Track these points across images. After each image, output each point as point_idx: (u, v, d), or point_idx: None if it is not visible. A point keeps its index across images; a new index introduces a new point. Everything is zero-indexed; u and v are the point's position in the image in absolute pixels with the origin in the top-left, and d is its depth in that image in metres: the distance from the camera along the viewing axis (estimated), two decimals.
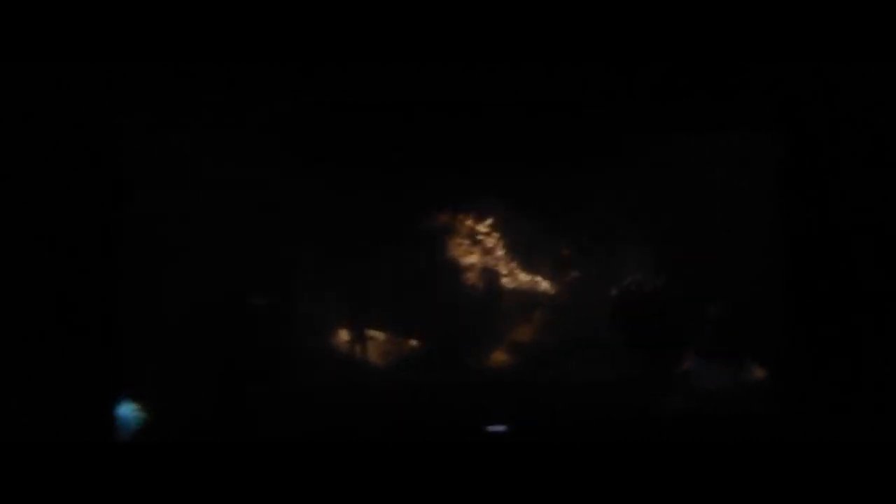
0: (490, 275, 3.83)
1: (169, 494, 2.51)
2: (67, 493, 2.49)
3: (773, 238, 2.99)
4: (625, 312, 3.40)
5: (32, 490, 2.48)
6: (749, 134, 3.05)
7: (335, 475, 2.58)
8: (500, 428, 2.93)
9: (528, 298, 3.82)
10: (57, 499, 2.49)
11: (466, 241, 3.86)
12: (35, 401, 2.62)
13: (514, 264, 3.84)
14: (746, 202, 3.16)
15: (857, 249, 2.78)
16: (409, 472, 2.58)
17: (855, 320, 2.76)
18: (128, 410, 2.83)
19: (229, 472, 2.56)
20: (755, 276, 3.11)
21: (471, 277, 3.82)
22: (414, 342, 3.74)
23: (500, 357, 3.69)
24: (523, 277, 3.84)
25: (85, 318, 2.71)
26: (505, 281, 3.83)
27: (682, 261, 3.33)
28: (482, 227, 3.86)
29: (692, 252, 3.32)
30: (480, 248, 3.85)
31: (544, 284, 3.79)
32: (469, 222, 3.83)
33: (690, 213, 3.34)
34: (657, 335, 3.25)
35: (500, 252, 3.85)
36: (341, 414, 3.15)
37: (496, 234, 3.85)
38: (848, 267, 2.78)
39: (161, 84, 2.79)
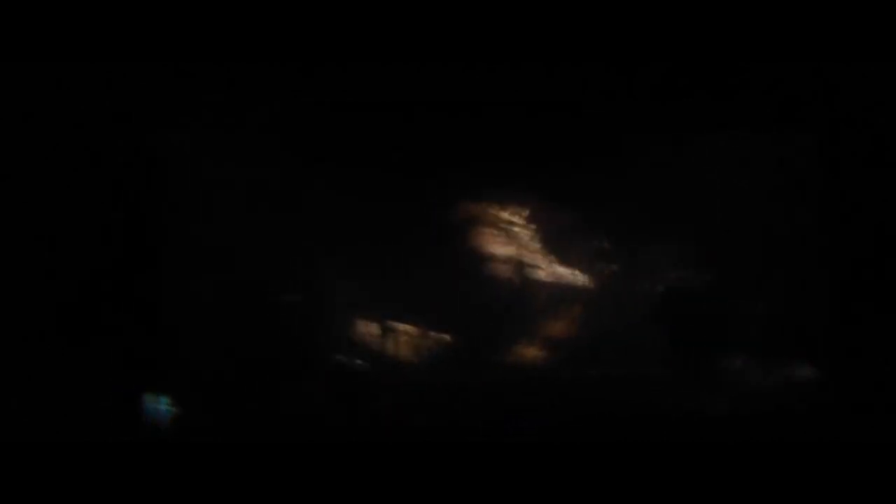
0: (520, 269, 3.80)
1: (190, 494, 2.52)
2: (87, 491, 2.51)
3: (799, 238, 3.00)
4: (671, 308, 3.34)
5: (53, 489, 2.50)
6: (749, 134, 3.04)
7: (359, 475, 2.58)
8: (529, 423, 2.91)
9: (561, 294, 3.78)
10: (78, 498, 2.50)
11: (487, 239, 3.83)
12: (46, 401, 2.63)
13: (547, 258, 3.81)
14: (775, 201, 3.14)
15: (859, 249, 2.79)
16: (434, 470, 2.58)
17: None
18: (160, 404, 2.83)
19: (255, 472, 2.58)
20: (791, 275, 3.09)
21: (499, 273, 3.80)
22: (444, 338, 3.71)
23: (533, 353, 3.66)
24: (557, 272, 3.80)
25: (87, 318, 2.72)
26: (537, 276, 3.80)
27: (719, 257, 3.31)
28: (497, 227, 3.83)
29: (726, 249, 3.29)
30: (507, 243, 3.82)
31: (579, 279, 3.76)
32: (487, 220, 3.80)
33: (723, 210, 3.32)
34: (705, 332, 3.21)
35: (531, 246, 3.82)
36: (368, 412, 3.16)
37: (518, 231, 3.82)
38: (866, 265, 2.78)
39: (161, 84, 2.79)
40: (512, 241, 3.80)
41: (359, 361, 3.53)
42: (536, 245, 3.81)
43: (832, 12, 2.64)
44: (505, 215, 3.80)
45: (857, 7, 2.63)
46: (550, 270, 3.79)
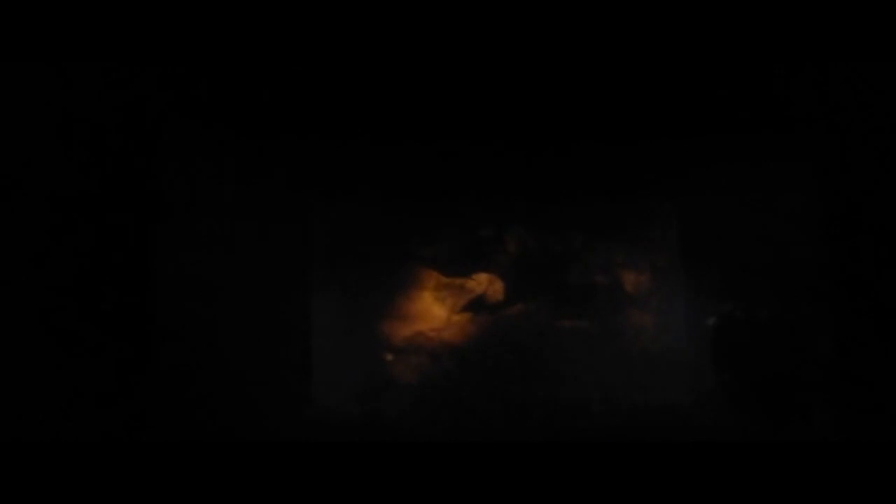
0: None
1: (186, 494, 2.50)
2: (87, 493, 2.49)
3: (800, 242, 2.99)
4: (734, 345, 3.15)
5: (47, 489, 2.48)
6: (750, 136, 3.04)
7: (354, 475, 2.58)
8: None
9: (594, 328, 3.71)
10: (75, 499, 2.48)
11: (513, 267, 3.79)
12: (41, 402, 2.61)
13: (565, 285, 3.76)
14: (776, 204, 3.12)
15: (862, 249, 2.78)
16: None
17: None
18: None
19: (250, 473, 2.59)
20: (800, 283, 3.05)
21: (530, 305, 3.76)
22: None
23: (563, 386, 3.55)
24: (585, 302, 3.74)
25: (84, 320, 2.70)
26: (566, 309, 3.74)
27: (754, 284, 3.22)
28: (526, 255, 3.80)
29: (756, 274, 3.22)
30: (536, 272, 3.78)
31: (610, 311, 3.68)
32: (514, 247, 3.78)
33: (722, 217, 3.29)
34: (775, 372, 3.03)
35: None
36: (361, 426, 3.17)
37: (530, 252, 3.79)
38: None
39: (162, 84, 2.80)
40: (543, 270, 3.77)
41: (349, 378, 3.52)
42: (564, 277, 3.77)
43: (832, 12, 2.65)
44: (531, 244, 3.77)
45: (856, 7, 2.64)
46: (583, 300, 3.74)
